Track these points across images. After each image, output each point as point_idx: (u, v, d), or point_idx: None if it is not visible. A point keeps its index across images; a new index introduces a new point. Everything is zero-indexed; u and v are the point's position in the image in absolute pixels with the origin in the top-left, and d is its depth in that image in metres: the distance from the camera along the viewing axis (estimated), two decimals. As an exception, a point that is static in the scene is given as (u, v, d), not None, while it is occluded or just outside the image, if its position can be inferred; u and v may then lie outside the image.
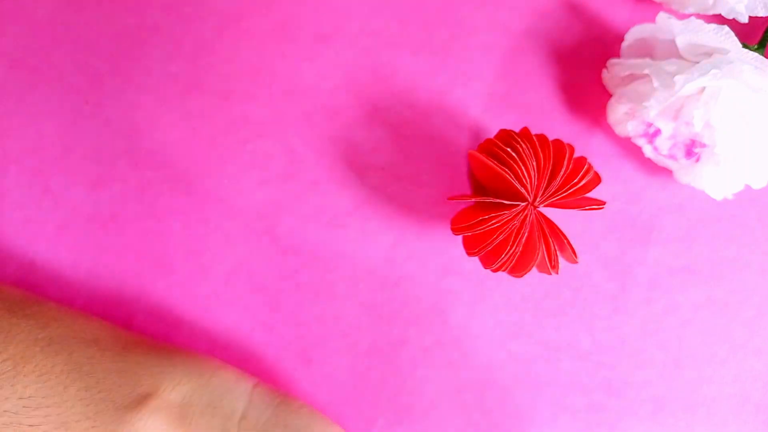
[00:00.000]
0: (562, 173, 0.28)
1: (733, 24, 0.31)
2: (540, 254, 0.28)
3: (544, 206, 0.29)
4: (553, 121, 0.34)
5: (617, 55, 0.33)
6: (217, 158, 0.33)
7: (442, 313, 0.34)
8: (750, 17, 0.31)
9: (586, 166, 0.29)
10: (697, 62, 0.29)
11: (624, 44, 0.33)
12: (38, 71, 0.32)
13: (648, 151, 0.32)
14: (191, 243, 0.33)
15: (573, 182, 0.28)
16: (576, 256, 0.29)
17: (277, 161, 0.33)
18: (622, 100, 0.32)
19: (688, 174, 0.32)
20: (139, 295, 0.32)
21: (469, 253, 0.30)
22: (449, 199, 0.30)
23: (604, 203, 0.29)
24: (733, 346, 0.34)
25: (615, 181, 0.34)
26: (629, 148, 0.34)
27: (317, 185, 0.34)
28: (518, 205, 0.28)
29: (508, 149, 0.28)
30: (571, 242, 0.29)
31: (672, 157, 0.32)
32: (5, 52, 0.32)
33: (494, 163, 0.28)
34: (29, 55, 0.32)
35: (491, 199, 0.28)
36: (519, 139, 0.29)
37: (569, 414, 0.34)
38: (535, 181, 0.28)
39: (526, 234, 0.28)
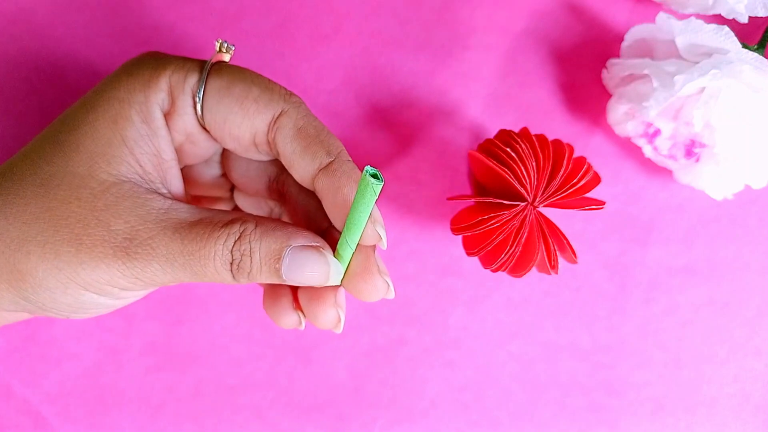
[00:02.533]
0: (561, 173, 0.28)
1: (733, 24, 0.31)
2: (540, 254, 0.28)
3: (544, 206, 0.28)
4: (553, 121, 0.34)
5: (617, 55, 0.33)
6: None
7: (442, 313, 0.34)
8: (750, 17, 0.31)
9: (585, 166, 0.29)
10: (697, 62, 0.29)
11: (624, 44, 0.33)
12: (39, 69, 0.32)
13: (648, 151, 0.32)
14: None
15: (573, 182, 0.28)
16: (576, 256, 0.29)
17: (277, 161, 0.33)
18: (622, 100, 0.32)
19: (688, 174, 0.32)
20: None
21: (469, 253, 0.30)
22: (449, 199, 0.30)
23: (603, 203, 0.29)
24: (733, 346, 0.34)
25: (615, 181, 0.34)
26: (629, 148, 0.34)
27: (317, 185, 0.34)
28: (518, 205, 0.28)
29: (508, 149, 0.28)
30: (571, 242, 0.29)
31: (672, 157, 0.32)
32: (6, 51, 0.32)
33: (494, 163, 0.28)
34: (27, 53, 0.32)
35: (491, 199, 0.28)
36: (519, 139, 0.29)
37: (569, 414, 0.34)
38: (534, 181, 0.28)
39: (525, 234, 0.28)
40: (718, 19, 0.32)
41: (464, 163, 0.34)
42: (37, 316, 0.26)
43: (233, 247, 0.21)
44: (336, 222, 0.23)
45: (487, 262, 0.29)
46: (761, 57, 0.30)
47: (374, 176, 0.19)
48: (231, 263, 0.21)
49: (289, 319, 0.25)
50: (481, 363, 0.34)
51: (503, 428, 0.34)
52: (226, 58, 0.24)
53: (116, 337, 0.32)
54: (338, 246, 0.22)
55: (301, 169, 0.22)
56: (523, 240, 0.28)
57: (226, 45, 0.24)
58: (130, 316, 0.32)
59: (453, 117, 0.34)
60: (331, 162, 0.22)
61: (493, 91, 0.34)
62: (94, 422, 0.32)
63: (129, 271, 0.21)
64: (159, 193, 0.23)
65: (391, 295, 0.24)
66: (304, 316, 0.25)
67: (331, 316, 0.24)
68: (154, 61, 0.23)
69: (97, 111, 0.22)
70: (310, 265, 0.22)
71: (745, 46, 0.30)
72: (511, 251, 0.28)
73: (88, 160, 0.22)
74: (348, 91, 0.34)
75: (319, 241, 0.22)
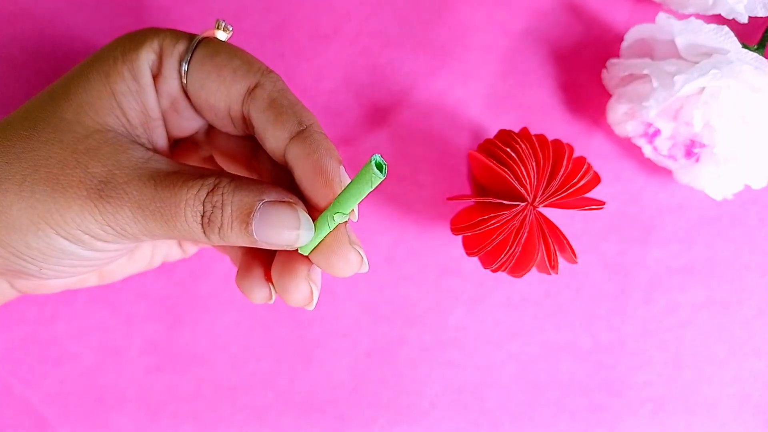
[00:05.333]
0: (561, 173, 0.28)
1: (733, 24, 0.31)
2: (540, 254, 0.28)
3: (544, 206, 0.29)
4: (553, 121, 0.34)
5: (617, 55, 0.33)
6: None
7: (442, 313, 0.34)
8: (750, 17, 0.31)
9: (585, 166, 0.29)
10: (697, 62, 0.29)
11: (624, 44, 0.33)
12: (40, 72, 0.32)
13: (648, 151, 0.32)
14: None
15: (572, 182, 0.28)
16: (576, 256, 0.29)
17: (277, 161, 0.33)
18: (622, 100, 0.32)
19: (688, 174, 0.32)
20: (139, 294, 0.32)
21: (469, 253, 0.30)
22: (449, 199, 0.30)
23: (603, 203, 0.29)
24: (733, 346, 0.34)
25: (615, 181, 0.34)
26: (629, 148, 0.34)
27: (317, 185, 0.33)
28: (518, 205, 0.28)
29: (508, 149, 0.28)
30: (571, 242, 0.29)
31: (672, 157, 0.32)
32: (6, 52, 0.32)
33: (494, 163, 0.28)
34: (28, 53, 0.32)
35: (491, 199, 0.28)
36: (518, 140, 0.29)
37: (569, 414, 0.34)
38: (534, 181, 0.28)
39: (525, 234, 0.28)
40: (718, 19, 0.32)
41: (464, 163, 0.34)
42: (13, 279, 0.25)
43: (205, 198, 0.21)
44: (305, 192, 0.22)
45: (487, 262, 0.29)
46: (761, 57, 0.30)
47: (379, 167, 0.18)
48: (202, 216, 0.21)
49: (260, 292, 0.24)
50: (481, 363, 0.34)
51: (503, 428, 0.34)
52: (222, 36, 0.24)
53: (116, 337, 0.32)
54: (317, 222, 0.22)
55: (273, 139, 0.22)
56: (523, 240, 0.28)
57: (223, 24, 0.24)
58: (130, 316, 0.32)
59: (453, 117, 0.34)
60: (302, 131, 0.22)
61: (493, 91, 0.34)
62: (94, 422, 0.32)
63: (100, 215, 0.21)
64: (142, 145, 0.23)
65: (365, 268, 0.23)
66: (275, 291, 0.24)
67: (303, 290, 0.23)
68: (152, 29, 0.24)
69: (92, 65, 0.23)
70: (282, 220, 0.21)
71: (745, 46, 0.30)
72: (511, 251, 0.28)
73: (77, 107, 0.22)
74: (348, 91, 0.34)
75: (292, 198, 0.22)
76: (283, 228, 0.21)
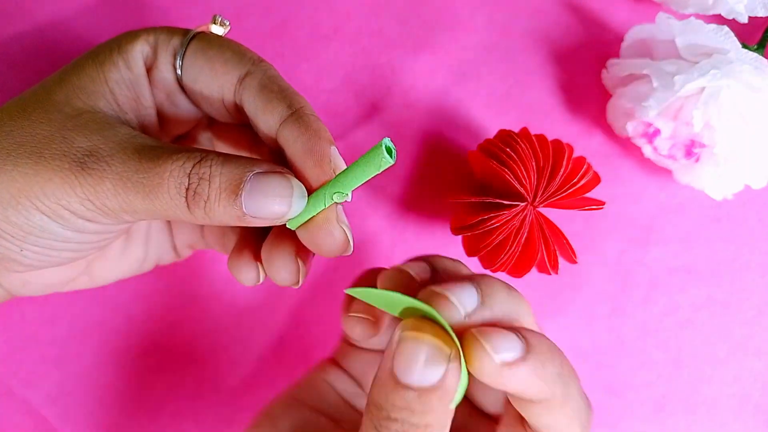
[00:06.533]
0: (561, 173, 0.28)
1: (733, 24, 0.31)
2: (540, 254, 0.28)
3: (544, 206, 0.28)
4: (553, 121, 0.34)
5: (617, 55, 0.33)
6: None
7: (442, 313, 0.34)
8: (750, 17, 0.31)
9: (585, 166, 0.29)
10: (697, 62, 0.29)
11: (624, 44, 0.33)
12: (40, 72, 0.32)
13: (648, 151, 0.32)
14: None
15: (572, 182, 0.28)
16: (575, 256, 0.29)
17: (277, 161, 0.33)
18: (622, 100, 0.32)
19: (688, 174, 0.32)
20: (139, 294, 0.32)
21: (469, 253, 0.30)
22: (449, 199, 0.31)
23: (603, 203, 0.29)
24: (733, 346, 0.34)
25: (615, 181, 0.34)
26: (629, 148, 0.34)
27: (317, 185, 0.33)
28: (518, 205, 0.28)
29: (508, 149, 0.28)
30: (571, 242, 0.29)
31: (672, 157, 0.32)
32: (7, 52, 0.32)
33: (494, 163, 0.28)
34: (28, 53, 0.32)
35: (491, 199, 0.28)
36: (518, 140, 0.29)
37: (569, 414, 0.34)
38: (534, 182, 0.28)
39: (525, 234, 0.28)
40: (718, 19, 0.32)
41: (464, 163, 0.34)
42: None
43: (191, 170, 0.20)
44: (298, 174, 0.22)
45: (487, 262, 0.29)
46: (761, 57, 0.30)
47: (389, 151, 0.18)
48: (186, 189, 0.20)
49: (249, 272, 0.24)
50: (481, 363, 0.34)
51: (503, 428, 0.34)
52: (218, 30, 0.25)
53: (116, 337, 0.32)
54: (310, 198, 0.21)
55: (264, 125, 0.22)
56: (523, 240, 0.28)
57: (220, 19, 0.25)
58: (131, 317, 0.32)
59: (453, 117, 0.34)
60: (292, 114, 0.22)
61: (493, 91, 0.34)
62: (94, 422, 0.32)
63: (81, 188, 0.20)
64: (131, 126, 0.23)
65: (350, 250, 0.22)
66: (264, 270, 0.24)
67: (290, 267, 0.23)
68: (151, 27, 0.24)
69: (88, 55, 0.23)
70: (274, 189, 0.20)
71: (744, 46, 0.30)
72: (511, 251, 0.28)
73: (68, 90, 0.22)
74: (348, 91, 0.34)
75: (283, 168, 0.21)
76: (275, 196, 0.20)
